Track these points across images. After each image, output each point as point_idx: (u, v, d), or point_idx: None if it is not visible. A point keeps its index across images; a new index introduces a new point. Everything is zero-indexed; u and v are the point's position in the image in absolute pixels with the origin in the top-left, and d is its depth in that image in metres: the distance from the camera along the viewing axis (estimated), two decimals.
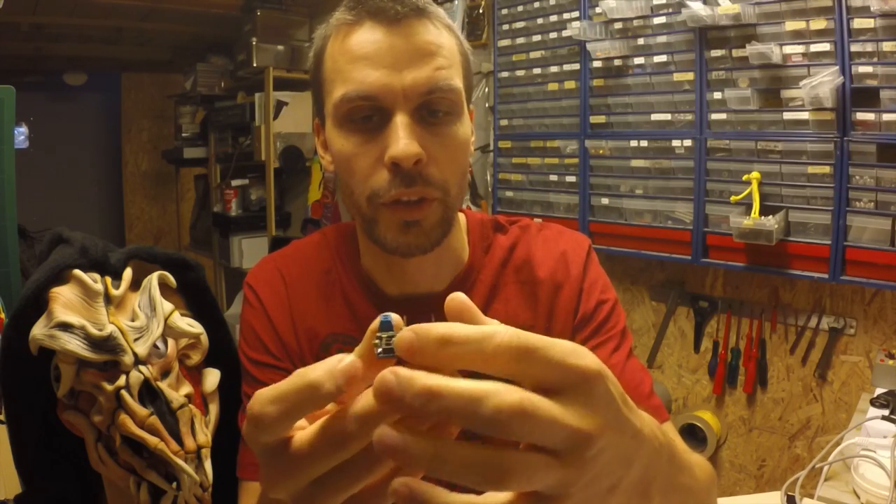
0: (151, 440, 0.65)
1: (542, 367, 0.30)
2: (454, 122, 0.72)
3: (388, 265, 0.79)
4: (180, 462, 0.66)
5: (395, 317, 0.32)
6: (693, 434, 2.12)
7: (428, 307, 0.77)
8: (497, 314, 0.78)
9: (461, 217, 0.85)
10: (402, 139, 0.66)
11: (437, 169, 0.69)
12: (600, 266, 0.87)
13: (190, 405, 0.70)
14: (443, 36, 0.72)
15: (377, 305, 0.80)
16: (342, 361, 0.31)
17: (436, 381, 0.28)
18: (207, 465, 0.68)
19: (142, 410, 0.66)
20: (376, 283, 0.81)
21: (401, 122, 0.67)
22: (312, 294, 0.82)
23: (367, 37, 0.69)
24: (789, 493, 1.22)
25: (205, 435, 0.70)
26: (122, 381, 0.67)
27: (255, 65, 3.11)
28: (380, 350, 0.31)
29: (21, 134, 3.97)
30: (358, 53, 0.69)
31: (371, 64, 0.68)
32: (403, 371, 0.29)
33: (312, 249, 0.86)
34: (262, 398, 0.32)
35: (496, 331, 0.30)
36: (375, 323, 0.32)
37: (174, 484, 0.67)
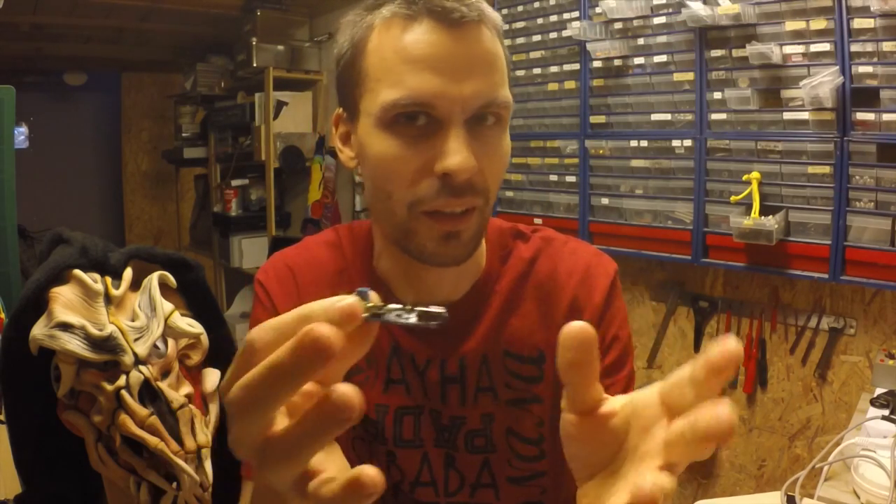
0: (151, 440, 0.65)
1: None
2: (501, 132, 0.69)
3: (405, 271, 0.76)
4: (180, 462, 0.66)
5: (373, 294, 0.35)
6: None
7: None
8: (514, 329, 0.77)
9: None
10: (459, 152, 0.63)
11: (482, 178, 0.66)
12: (622, 296, 0.83)
13: (190, 405, 0.70)
14: (497, 45, 0.68)
15: None
16: (341, 301, 0.33)
17: None
18: (207, 465, 0.68)
19: (142, 410, 0.66)
20: (391, 287, 0.78)
21: (456, 133, 0.64)
22: (324, 295, 0.80)
23: (427, 38, 0.63)
24: (789, 493, 1.22)
25: (205, 435, 0.70)
26: (122, 381, 0.67)
27: (255, 65, 3.11)
28: (368, 315, 0.35)
29: (21, 134, 3.97)
30: (415, 54, 0.63)
31: (429, 68, 0.63)
32: None
33: (325, 249, 0.83)
34: (263, 327, 0.34)
35: None
36: (356, 302, 0.34)
37: (174, 484, 0.67)
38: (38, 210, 3.53)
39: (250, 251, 3.54)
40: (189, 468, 0.66)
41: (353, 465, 0.92)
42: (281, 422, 0.35)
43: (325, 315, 0.33)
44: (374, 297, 0.35)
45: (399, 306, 0.36)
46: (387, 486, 0.88)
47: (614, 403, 0.39)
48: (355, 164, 0.73)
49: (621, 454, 0.39)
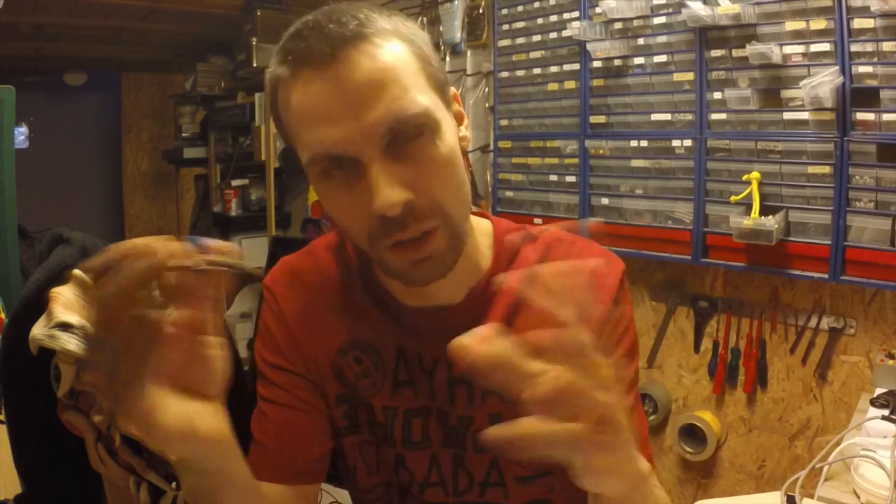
0: None
1: None
2: (431, 139, 0.64)
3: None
4: None
5: (214, 245, 0.47)
6: (693, 434, 2.12)
7: (445, 317, 0.75)
8: (518, 330, 0.78)
9: (484, 223, 0.81)
10: (381, 191, 0.60)
11: (426, 198, 0.63)
12: (629, 297, 0.83)
13: None
14: (389, 53, 0.62)
15: (393, 315, 0.78)
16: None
17: None
18: None
19: None
20: (391, 294, 0.78)
21: (374, 171, 0.61)
22: (331, 301, 0.80)
23: (307, 91, 0.62)
24: (789, 493, 1.22)
25: None
26: None
27: (255, 65, 3.11)
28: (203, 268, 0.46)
29: (21, 134, 3.97)
30: (303, 113, 0.63)
31: (319, 121, 0.62)
32: None
33: (331, 254, 0.83)
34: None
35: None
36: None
37: (174, 484, 0.67)
38: (38, 210, 3.53)
39: (250, 251, 3.53)
40: None
41: (359, 469, 0.92)
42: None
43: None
44: (213, 247, 0.47)
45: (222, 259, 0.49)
46: (395, 488, 0.88)
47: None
48: None
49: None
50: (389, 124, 0.61)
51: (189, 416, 0.51)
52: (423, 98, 0.63)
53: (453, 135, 0.68)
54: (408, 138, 0.62)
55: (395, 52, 0.63)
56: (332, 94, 0.61)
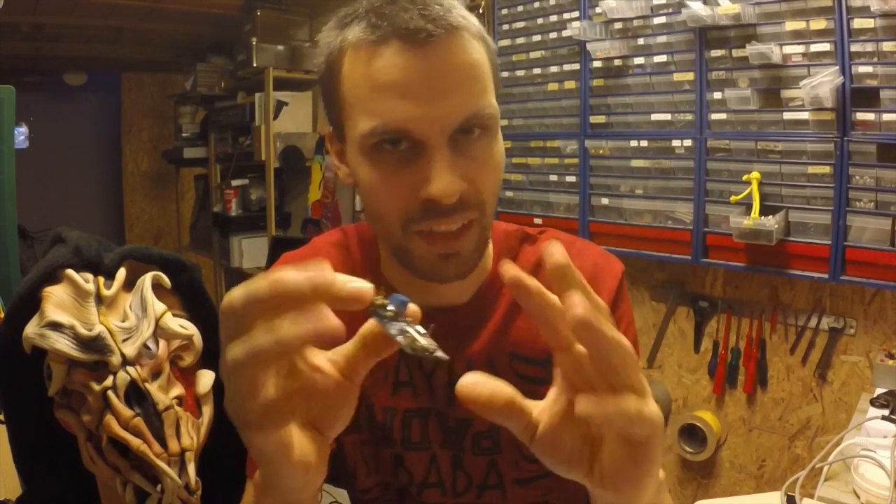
0: (134, 442, 0.65)
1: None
2: (491, 139, 0.66)
3: (410, 279, 0.74)
4: (162, 465, 0.65)
5: (414, 308, 0.36)
6: (693, 434, 2.11)
7: (449, 317, 0.75)
8: (520, 331, 0.77)
9: None
10: (443, 178, 0.60)
11: (475, 191, 0.64)
12: (629, 297, 0.83)
13: (176, 407, 0.69)
14: (477, 51, 0.64)
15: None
16: (351, 282, 0.35)
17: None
18: (191, 468, 0.67)
19: (126, 411, 0.66)
20: (397, 291, 0.78)
21: (439, 156, 0.61)
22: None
23: (395, 61, 0.61)
24: (789, 493, 1.22)
25: (190, 438, 0.69)
26: (109, 381, 0.67)
27: (255, 65, 3.11)
28: (381, 317, 0.35)
29: (21, 134, 3.97)
30: (383, 81, 0.61)
31: (400, 94, 0.61)
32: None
33: (334, 251, 0.82)
34: (235, 291, 0.35)
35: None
36: (380, 294, 0.34)
37: (158, 486, 0.66)
38: (38, 210, 3.53)
39: (250, 251, 3.53)
40: (171, 471, 0.65)
41: (359, 469, 0.91)
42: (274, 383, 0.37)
43: (292, 282, 0.34)
44: (413, 310, 0.36)
45: (407, 322, 0.36)
46: (394, 488, 0.88)
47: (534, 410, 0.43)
48: (352, 181, 0.72)
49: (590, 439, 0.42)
50: (466, 116, 0.62)
51: (311, 451, 0.44)
52: (494, 100, 0.66)
53: (502, 143, 0.70)
54: (473, 135, 0.64)
55: (480, 50, 0.65)
56: (421, 71, 0.61)
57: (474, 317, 0.77)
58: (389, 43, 0.61)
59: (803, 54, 1.71)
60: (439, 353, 0.35)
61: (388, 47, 0.61)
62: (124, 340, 0.68)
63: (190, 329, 0.75)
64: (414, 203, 0.63)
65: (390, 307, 0.36)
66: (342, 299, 0.34)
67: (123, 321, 0.70)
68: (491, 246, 0.79)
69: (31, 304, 0.70)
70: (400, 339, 0.36)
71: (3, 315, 1.40)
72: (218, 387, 0.78)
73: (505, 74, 2.42)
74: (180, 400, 0.71)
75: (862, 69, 1.63)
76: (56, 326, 0.66)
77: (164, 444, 0.66)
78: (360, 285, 0.34)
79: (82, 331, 0.66)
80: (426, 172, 0.61)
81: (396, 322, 0.36)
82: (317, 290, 0.34)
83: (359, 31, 0.63)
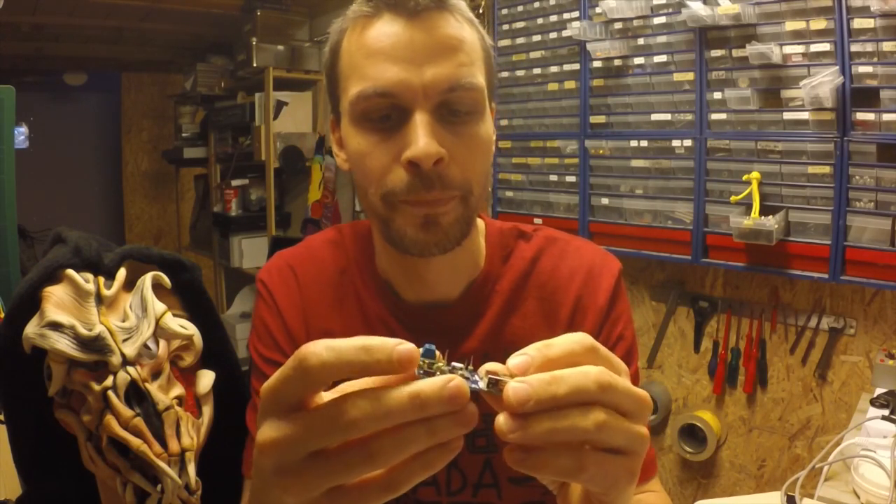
0: (134, 442, 0.65)
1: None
2: (476, 121, 0.68)
3: (404, 268, 0.76)
4: (162, 465, 0.65)
5: (438, 353, 0.35)
6: (693, 434, 2.11)
7: (442, 314, 0.76)
8: (515, 329, 0.77)
9: (479, 222, 0.82)
10: (421, 138, 0.63)
11: (458, 169, 0.66)
12: (627, 296, 0.83)
13: (176, 407, 0.69)
14: (465, 30, 0.68)
15: (391, 310, 0.78)
16: (401, 344, 0.33)
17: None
18: (191, 468, 0.67)
19: (126, 411, 0.66)
20: (392, 286, 0.78)
21: (420, 120, 0.64)
22: (326, 294, 0.80)
23: (385, 30, 0.66)
24: (789, 493, 1.22)
25: (190, 438, 0.69)
26: (109, 381, 0.67)
27: (255, 65, 3.11)
28: (421, 373, 0.34)
29: (21, 134, 3.97)
30: (375, 48, 0.65)
31: (389, 59, 0.65)
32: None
33: (328, 248, 0.83)
34: (320, 345, 0.34)
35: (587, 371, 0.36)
36: (415, 351, 0.33)
37: (158, 487, 0.66)
38: (38, 210, 3.53)
39: (250, 251, 3.53)
40: (171, 471, 0.65)
41: None
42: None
43: (384, 353, 0.33)
44: (437, 355, 0.35)
45: (460, 366, 0.36)
46: None
47: None
48: (348, 166, 0.74)
49: None
50: (449, 85, 0.65)
51: None
52: (482, 79, 0.69)
53: (490, 128, 0.72)
54: (457, 111, 0.66)
55: (469, 31, 0.69)
56: (408, 38, 0.65)
57: (470, 313, 0.77)
58: (382, 15, 0.67)
59: (803, 54, 1.71)
60: (499, 388, 0.36)
61: (381, 19, 0.67)
62: (124, 340, 0.68)
63: (190, 329, 0.75)
64: (396, 171, 0.65)
65: (437, 364, 0.35)
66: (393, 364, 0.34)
67: (123, 321, 0.70)
68: (484, 244, 0.80)
69: (31, 304, 0.69)
70: (474, 384, 0.36)
71: (3, 315, 1.40)
72: (218, 387, 0.78)
73: (505, 74, 2.42)
74: (180, 400, 0.71)
75: (862, 69, 1.63)
76: (56, 326, 0.66)
77: (164, 444, 0.66)
78: (408, 346, 0.33)
79: (82, 331, 0.66)
80: (409, 138, 0.64)
81: (439, 372, 0.35)
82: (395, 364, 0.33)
83: (356, 7, 0.69)
